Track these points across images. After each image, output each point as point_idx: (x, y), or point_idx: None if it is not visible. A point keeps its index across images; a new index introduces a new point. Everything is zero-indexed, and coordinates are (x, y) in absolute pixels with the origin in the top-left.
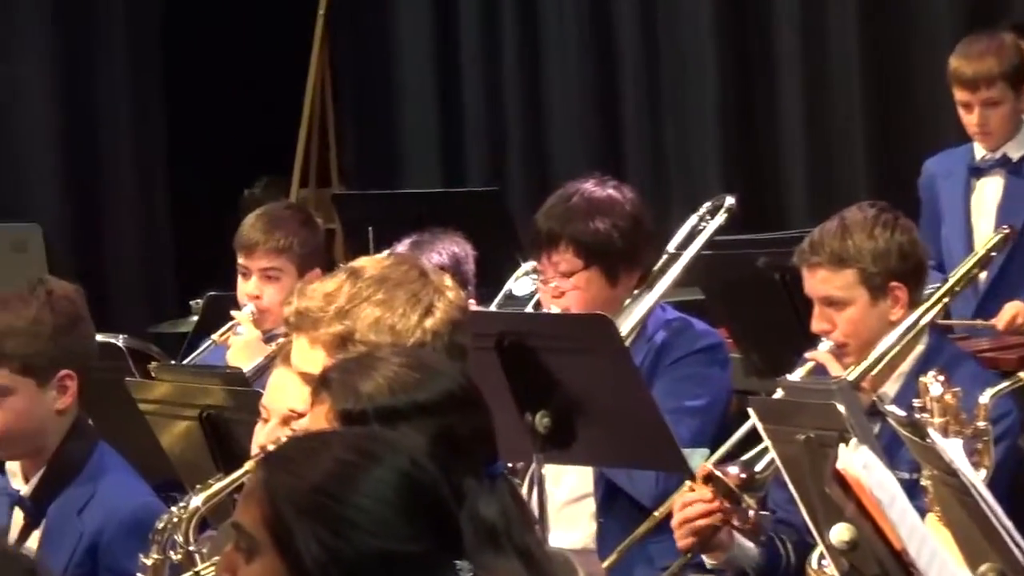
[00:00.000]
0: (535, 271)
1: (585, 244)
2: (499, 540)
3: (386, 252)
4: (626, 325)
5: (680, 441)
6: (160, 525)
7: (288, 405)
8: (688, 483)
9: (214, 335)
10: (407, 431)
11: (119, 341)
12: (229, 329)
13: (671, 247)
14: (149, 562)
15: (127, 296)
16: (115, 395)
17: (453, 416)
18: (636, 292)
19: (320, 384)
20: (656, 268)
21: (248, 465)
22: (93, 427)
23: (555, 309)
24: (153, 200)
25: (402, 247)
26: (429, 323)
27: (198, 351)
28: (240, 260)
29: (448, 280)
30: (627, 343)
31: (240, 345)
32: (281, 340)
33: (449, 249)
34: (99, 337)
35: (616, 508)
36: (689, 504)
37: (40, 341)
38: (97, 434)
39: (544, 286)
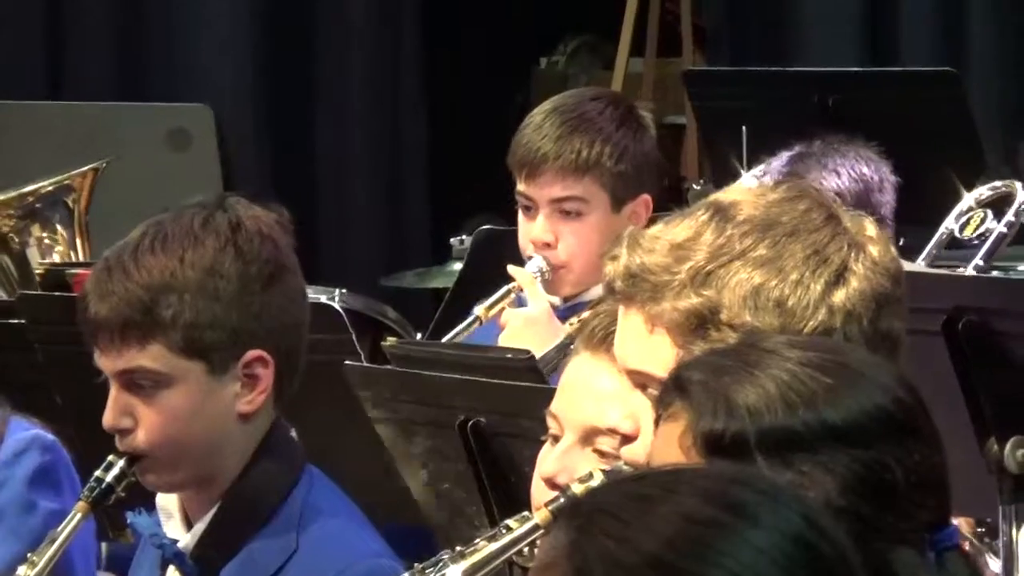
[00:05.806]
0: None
1: None
2: None
3: (760, 169)
4: None
5: None
6: None
7: (598, 419)
8: None
9: (477, 307)
10: (809, 470)
11: (335, 301)
12: (503, 296)
13: None
14: None
15: (348, 231)
16: (328, 389)
17: (883, 447)
18: None
19: (671, 389)
20: None
21: (539, 517)
22: (298, 442)
23: None
24: (394, 79)
25: (778, 163)
26: (840, 297)
27: (460, 328)
28: (520, 186)
29: (871, 227)
30: None
31: (519, 324)
32: (586, 315)
33: (854, 168)
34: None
35: None
36: None
37: (218, 304)
38: (303, 453)
39: None
